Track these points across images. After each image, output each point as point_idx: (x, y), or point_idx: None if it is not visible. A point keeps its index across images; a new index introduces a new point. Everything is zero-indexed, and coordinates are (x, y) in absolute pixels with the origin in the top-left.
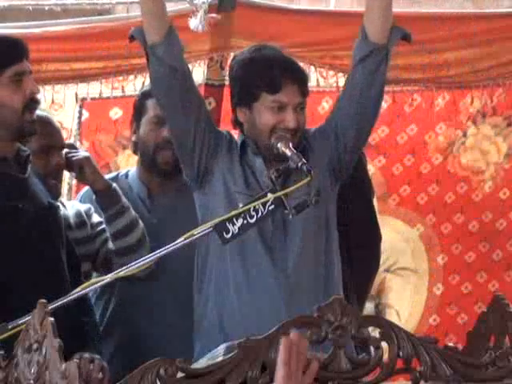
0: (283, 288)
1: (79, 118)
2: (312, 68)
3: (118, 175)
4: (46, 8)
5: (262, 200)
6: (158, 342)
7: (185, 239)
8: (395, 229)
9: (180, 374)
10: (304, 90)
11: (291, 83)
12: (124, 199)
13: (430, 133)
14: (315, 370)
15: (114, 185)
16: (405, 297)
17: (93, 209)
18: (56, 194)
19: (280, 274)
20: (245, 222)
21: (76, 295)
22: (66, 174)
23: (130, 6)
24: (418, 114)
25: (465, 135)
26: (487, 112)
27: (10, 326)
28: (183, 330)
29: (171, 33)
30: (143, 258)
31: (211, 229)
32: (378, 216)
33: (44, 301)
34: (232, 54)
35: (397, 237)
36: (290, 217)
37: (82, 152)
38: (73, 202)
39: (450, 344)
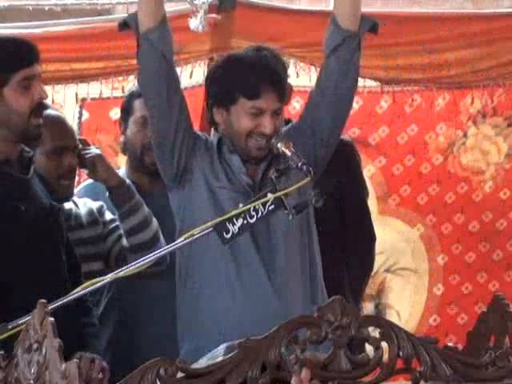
0: (276, 287)
1: (79, 118)
2: (312, 68)
3: None
4: (46, 8)
5: (262, 200)
6: (153, 339)
7: (185, 239)
8: (395, 229)
9: (180, 374)
10: (282, 96)
11: (271, 90)
12: (138, 196)
13: (430, 133)
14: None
15: (128, 181)
16: (405, 297)
17: (105, 206)
18: (68, 194)
19: (271, 273)
20: (245, 222)
21: (76, 295)
22: None
23: (129, 5)
24: (419, 114)
25: (465, 135)
26: (487, 112)
27: (10, 326)
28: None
29: (165, 20)
30: (143, 258)
31: (211, 229)
32: (379, 216)
33: (44, 301)
34: None
35: (397, 237)
36: (290, 217)
37: (95, 149)
38: (85, 200)
39: (450, 344)
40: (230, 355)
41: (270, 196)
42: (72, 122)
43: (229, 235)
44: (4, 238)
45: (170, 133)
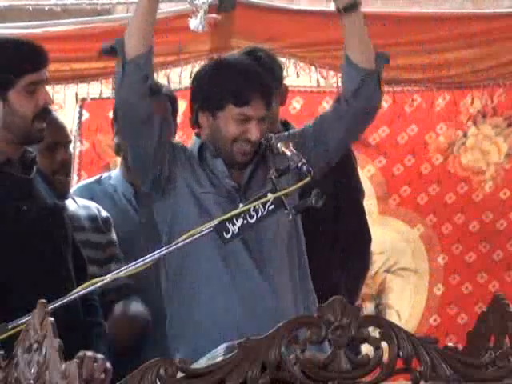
0: (271, 287)
1: (79, 118)
2: (312, 68)
3: (100, 178)
4: (46, 8)
5: (262, 200)
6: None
7: (185, 239)
8: (395, 229)
9: (180, 374)
10: (269, 104)
11: (259, 98)
12: None
13: (430, 133)
14: None
15: None
16: (405, 297)
17: (112, 222)
18: (64, 190)
19: (264, 274)
20: (245, 222)
21: (76, 295)
22: None
23: (129, 6)
24: (419, 115)
25: (465, 135)
26: (488, 112)
27: (10, 326)
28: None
29: (152, 45)
30: (143, 258)
31: (211, 229)
32: (379, 216)
33: (44, 301)
34: None
35: (397, 237)
36: (290, 217)
37: None
38: (85, 202)
39: (450, 344)
40: (229, 355)
41: (270, 196)
42: (72, 121)
43: (229, 235)
44: (5, 237)
45: (152, 146)
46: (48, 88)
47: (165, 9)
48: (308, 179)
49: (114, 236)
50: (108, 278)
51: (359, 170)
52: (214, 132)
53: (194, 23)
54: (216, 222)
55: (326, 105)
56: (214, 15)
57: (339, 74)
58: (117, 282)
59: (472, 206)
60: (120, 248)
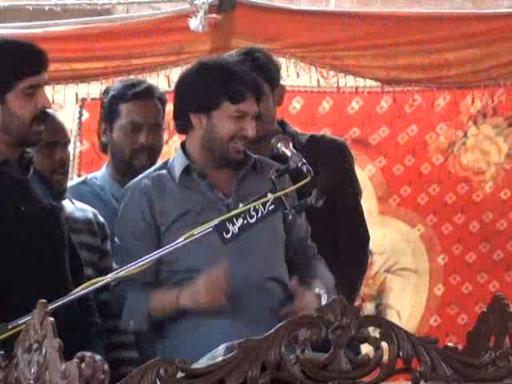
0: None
1: (79, 118)
2: (313, 68)
3: (86, 178)
4: (47, 8)
5: (262, 200)
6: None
7: (185, 239)
8: (396, 229)
9: (180, 374)
10: (259, 100)
11: (251, 94)
12: None
13: (430, 133)
14: None
15: None
16: (405, 297)
17: (108, 231)
18: (62, 189)
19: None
20: (245, 222)
21: (76, 295)
22: None
23: (129, 6)
24: (419, 115)
25: (465, 135)
26: (488, 112)
27: (10, 326)
28: None
29: None
30: (143, 259)
31: (211, 229)
32: (379, 216)
33: (44, 301)
34: None
35: (397, 237)
36: (290, 217)
37: None
38: (83, 205)
39: (450, 344)
40: (229, 355)
41: (270, 196)
42: (72, 121)
43: (229, 235)
44: (4, 238)
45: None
46: (48, 88)
47: (165, 9)
48: (308, 179)
49: (108, 246)
50: (108, 277)
51: (359, 169)
52: (208, 132)
53: (194, 23)
54: (216, 222)
55: (326, 105)
56: (214, 15)
57: (339, 74)
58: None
59: (472, 206)
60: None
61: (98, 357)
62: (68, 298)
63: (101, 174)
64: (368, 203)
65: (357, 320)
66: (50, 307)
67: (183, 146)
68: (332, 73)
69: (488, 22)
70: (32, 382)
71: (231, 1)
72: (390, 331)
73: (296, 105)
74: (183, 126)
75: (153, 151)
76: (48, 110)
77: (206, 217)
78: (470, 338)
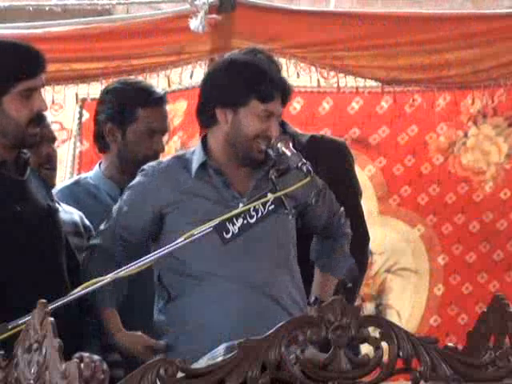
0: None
1: (79, 118)
2: (313, 68)
3: (79, 179)
4: (47, 8)
5: (262, 200)
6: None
7: (185, 239)
8: (396, 229)
9: (180, 374)
10: (285, 103)
11: (279, 95)
12: None
13: (430, 133)
14: None
15: None
16: (405, 297)
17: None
18: (49, 184)
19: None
20: (245, 221)
21: (76, 295)
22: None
23: (130, 6)
24: (419, 115)
25: (466, 135)
26: (488, 112)
27: (10, 326)
28: None
29: None
30: (143, 258)
31: (211, 229)
32: (379, 216)
33: (44, 301)
34: None
35: (397, 237)
36: (290, 217)
37: None
38: (69, 208)
39: (450, 344)
40: (229, 355)
41: (270, 196)
42: (72, 122)
43: (229, 235)
44: (2, 238)
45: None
46: (48, 88)
47: (165, 9)
48: (308, 179)
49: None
50: (108, 278)
51: (359, 170)
52: (234, 129)
53: (195, 24)
54: (216, 221)
55: (326, 105)
56: (214, 16)
57: (340, 75)
58: None
59: (472, 206)
60: None
61: (96, 357)
62: (68, 298)
63: (94, 173)
64: (368, 203)
65: (357, 320)
66: (49, 307)
67: (203, 140)
68: (332, 73)
69: (488, 22)
70: (32, 382)
71: (231, 1)
72: (390, 331)
73: (296, 105)
74: (207, 120)
75: (159, 156)
76: (44, 115)
77: (217, 213)
78: (470, 338)
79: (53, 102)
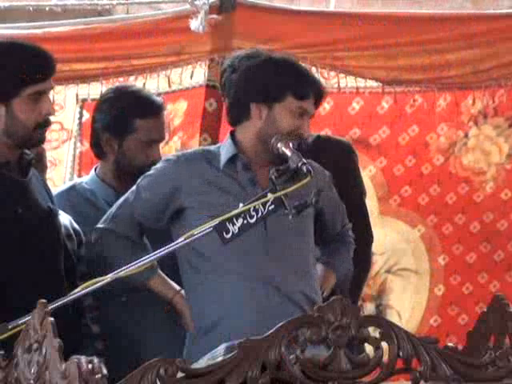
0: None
1: (80, 118)
2: (313, 69)
3: (75, 184)
4: (47, 8)
5: (262, 200)
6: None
7: (185, 239)
8: (396, 229)
9: (180, 374)
10: (317, 104)
11: (314, 95)
12: None
13: (431, 134)
14: None
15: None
16: (406, 297)
17: (84, 238)
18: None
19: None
20: (245, 221)
21: (76, 295)
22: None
23: (130, 6)
24: (420, 115)
25: (466, 136)
26: (489, 113)
27: (10, 326)
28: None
29: None
30: (143, 258)
31: (211, 229)
32: (379, 217)
33: (44, 301)
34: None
35: (398, 237)
36: (290, 217)
37: None
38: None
39: (450, 344)
40: (229, 355)
41: (270, 196)
42: (72, 122)
43: (229, 235)
44: (3, 239)
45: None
46: None
47: (165, 9)
48: (308, 179)
49: (83, 252)
50: (108, 278)
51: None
52: (268, 124)
53: (195, 24)
54: (216, 221)
55: (327, 105)
56: (214, 16)
57: (340, 75)
58: None
59: (473, 206)
60: None
61: (94, 357)
62: (68, 298)
63: (90, 178)
64: (368, 203)
65: (357, 320)
66: (49, 307)
67: (233, 134)
68: (332, 73)
69: (488, 23)
70: (32, 382)
71: (232, 1)
72: (390, 331)
73: None
74: (239, 116)
75: (156, 164)
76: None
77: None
78: (470, 337)
79: (53, 103)
